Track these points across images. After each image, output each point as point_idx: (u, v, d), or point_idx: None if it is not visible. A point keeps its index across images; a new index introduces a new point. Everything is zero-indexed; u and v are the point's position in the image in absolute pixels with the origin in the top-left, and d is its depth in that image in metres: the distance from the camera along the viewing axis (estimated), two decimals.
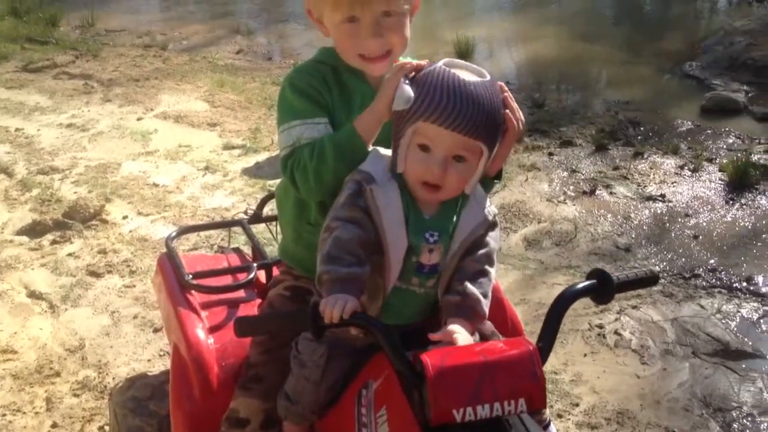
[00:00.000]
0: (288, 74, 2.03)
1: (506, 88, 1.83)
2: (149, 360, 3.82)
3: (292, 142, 1.90)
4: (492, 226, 1.87)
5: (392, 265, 1.78)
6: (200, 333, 2.37)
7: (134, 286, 4.48)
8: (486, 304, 1.81)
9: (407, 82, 1.77)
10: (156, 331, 4.05)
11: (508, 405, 1.55)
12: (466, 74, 1.74)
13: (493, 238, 1.87)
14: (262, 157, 6.40)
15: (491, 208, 1.89)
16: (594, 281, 1.81)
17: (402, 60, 1.99)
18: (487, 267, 1.83)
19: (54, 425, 3.40)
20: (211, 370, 2.30)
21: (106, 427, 3.34)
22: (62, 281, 4.55)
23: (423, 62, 1.82)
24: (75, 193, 5.71)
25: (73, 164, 6.25)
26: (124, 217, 5.35)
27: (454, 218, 1.82)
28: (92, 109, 7.62)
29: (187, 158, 6.40)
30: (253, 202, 5.49)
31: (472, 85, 1.71)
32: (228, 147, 6.62)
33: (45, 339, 4.01)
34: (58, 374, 3.74)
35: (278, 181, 6.02)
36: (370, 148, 1.88)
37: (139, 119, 7.32)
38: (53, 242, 4.98)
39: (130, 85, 8.36)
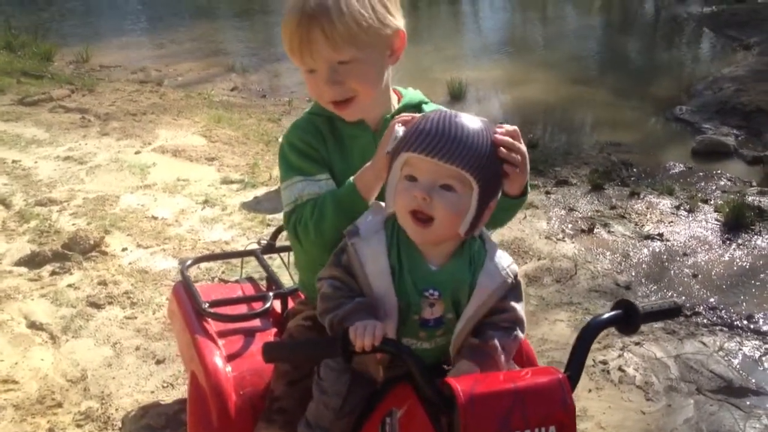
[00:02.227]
0: (285, 132, 2.05)
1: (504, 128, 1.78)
2: (152, 391, 3.78)
3: (294, 199, 1.93)
4: (513, 288, 1.81)
5: (383, 319, 1.72)
6: (218, 361, 2.37)
7: (135, 317, 4.46)
8: (504, 358, 1.74)
9: (400, 125, 1.78)
10: (159, 362, 4.03)
11: None
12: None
13: (516, 302, 1.80)
14: (260, 191, 6.42)
15: (512, 267, 1.81)
16: (620, 311, 1.82)
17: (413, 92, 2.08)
18: (512, 327, 1.78)
19: None
20: (229, 399, 2.29)
21: None
22: (62, 312, 4.52)
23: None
24: (74, 224, 5.69)
25: (71, 196, 6.24)
26: (124, 249, 5.33)
27: (467, 278, 1.77)
28: (89, 142, 7.63)
29: (186, 192, 6.41)
30: (252, 235, 5.51)
31: (459, 118, 1.70)
32: (226, 181, 6.64)
33: (46, 369, 3.97)
34: (60, 405, 3.69)
35: (278, 215, 6.00)
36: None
37: (137, 153, 7.33)
38: (52, 273, 4.96)
39: (127, 120, 8.40)
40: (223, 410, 2.27)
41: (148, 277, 4.94)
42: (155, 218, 5.88)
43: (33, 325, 4.38)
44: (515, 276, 1.81)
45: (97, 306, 4.59)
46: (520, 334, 1.78)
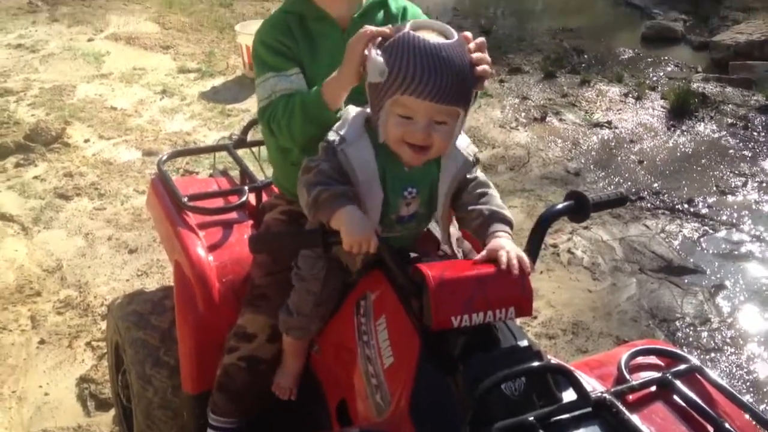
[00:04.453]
0: (258, 29, 2.12)
1: (470, 38, 1.82)
2: (128, 280, 3.94)
3: (268, 94, 2.03)
4: (475, 164, 1.95)
5: (369, 215, 1.84)
6: (201, 251, 2.52)
7: (105, 208, 4.57)
8: (504, 211, 1.86)
9: (378, 51, 1.74)
10: (131, 252, 4.17)
11: (500, 312, 1.73)
12: (433, 36, 1.75)
13: (477, 171, 1.96)
14: (218, 81, 6.44)
15: (470, 147, 1.95)
16: (572, 202, 2.00)
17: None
18: (484, 189, 1.91)
19: (42, 342, 3.53)
20: (213, 286, 2.46)
21: (94, 343, 3.49)
22: (32, 204, 4.60)
23: (387, 29, 1.78)
24: (33, 115, 5.70)
25: (27, 86, 6.20)
26: (86, 141, 5.38)
27: (436, 170, 1.90)
28: (40, 29, 7.50)
29: (143, 81, 6.41)
30: (213, 126, 5.59)
31: (444, 51, 1.71)
32: (183, 70, 6.63)
33: (21, 260, 4.09)
34: (39, 294, 3.84)
35: (237, 104, 6.02)
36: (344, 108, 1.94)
37: (89, 40, 7.24)
38: (17, 165, 5.01)
39: (76, 5, 8.24)
40: (208, 296, 2.44)
41: (114, 169, 5.02)
42: (114, 108, 5.90)
43: (3, 217, 4.47)
44: (474, 154, 1.95)
45: (66, 197, 4.68)
46: (491, 191, 1.93)
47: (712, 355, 3.54)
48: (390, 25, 1.82)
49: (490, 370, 1.64)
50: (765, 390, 3.34)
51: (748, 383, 3.37)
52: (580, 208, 1.99)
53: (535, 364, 1.68)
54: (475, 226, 1.88)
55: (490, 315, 1.73)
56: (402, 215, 1.93)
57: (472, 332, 1.74)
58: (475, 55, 1.78)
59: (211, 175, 3.16)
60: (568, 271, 4.09)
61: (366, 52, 1.78)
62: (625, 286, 4.01)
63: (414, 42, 1.72)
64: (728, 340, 3.63)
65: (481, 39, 1.84)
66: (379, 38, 1.77)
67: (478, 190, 1.92)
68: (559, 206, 1.99)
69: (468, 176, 1.94)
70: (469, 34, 1.83)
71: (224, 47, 7.14)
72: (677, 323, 3.74)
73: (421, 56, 1.70)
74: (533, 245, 1.92)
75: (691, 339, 3.63)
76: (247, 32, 6.13)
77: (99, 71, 6.58)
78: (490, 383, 1.61)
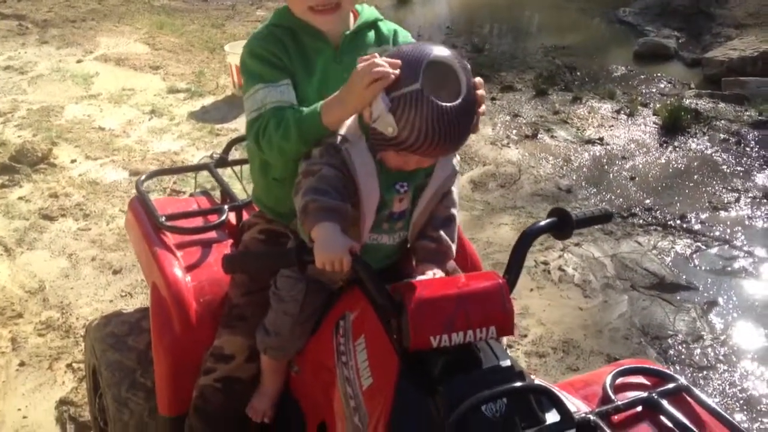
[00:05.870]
0: (246, 43, 2.06)
1: (479, 84, 1.80)
2: (111, 300, 3.88)
3: (258, 106, 1.95)
4: (455, 175, 1.97)
5: (366, 216, 1.86)
6: (178, 272, 2.46)
7: (89, 229, 4.51)
8: (454, 248, 1.95)
9: (388, 104, 1.69)
10: (115, 272, 4.11)
11: (480, 332, 1.68)
12: (448, 88, 1.68)
13: (455, 184, 1.98)
14: (207, 101, 6.41)
15: (456, 157, 1.96)
16: (555, 219, 1.96)
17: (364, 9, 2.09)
18: (452, 211, 1.96)
19: (22, 364, 3.46)
20: (190, 307, 2.39)
21: (75, 365, 3.43)
22: (15, 225, 4.55)
23: (395, 71, 1.68)
24: (19, 136, 5.65)
25: (14, 107, 6.16)
26: (73, 161, 5.33)
27: (423, 171, 1.89)
28: (29, 50, 7.48)
29: (132, 102, 6.37)
30: (202, 146, 5.54)
31: (457, 115, 1.68)
32: (173, 90, 6.60)
33: (3, 281, 4.03)
34: (20, 315, 3.78)
35: (226, 124, 6.00)
36: None
37: (78, 62, 7.21)
38: (2, 186, 4.96)
39: (66, 27, 8.22)
40: (185, 318, 2.38)
41: (99, 189, 4.97)
42: (102, 129, 5.86)
43: None
44: (458, 162, 1.99)
45: (50, 218, 4.63)
46: (457, 215, 1.98)
47: (705, 372, 3.47)
48: (398, 71, 1.69)
49: (470, 391, 1.59)
50: (758, 408, 3.27)
51: (741, 401, 3.30)
52: (563, 225, 1.96)
53: (517, 384, 1.63)
54: (429, 247, 1.93)
55: (470, 335, 1.69)
56: (394, 211, 1.91)
57: (453, 352, 1.69)
58: (480, 93, 1.78)
59: (191, 195, 3.11)
60: (559, 289, 4.03)
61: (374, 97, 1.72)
62: (616, 303, 3.95)
63: (427, 107, 1.66)
64: (721, 358, 3.56)
65: (480, 80, 1.82)
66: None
67: (448, 213, 1.97)
68: (542, 223, 1.95)
69: (452, 188, 1.96)
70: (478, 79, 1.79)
71: (214, 67, 7.12)
72: (669, 341, 3.68)
73: (435, 124, 1.66)
74: (515, 263, 1.89)
75: (683, 356, 3.57)
76: (236, 52, 6.10)
77: (88, 92, 6.54)
78: (470, 404, 1.56)
